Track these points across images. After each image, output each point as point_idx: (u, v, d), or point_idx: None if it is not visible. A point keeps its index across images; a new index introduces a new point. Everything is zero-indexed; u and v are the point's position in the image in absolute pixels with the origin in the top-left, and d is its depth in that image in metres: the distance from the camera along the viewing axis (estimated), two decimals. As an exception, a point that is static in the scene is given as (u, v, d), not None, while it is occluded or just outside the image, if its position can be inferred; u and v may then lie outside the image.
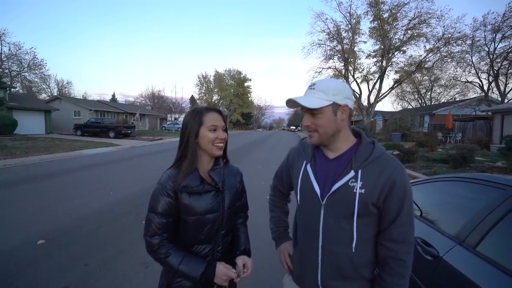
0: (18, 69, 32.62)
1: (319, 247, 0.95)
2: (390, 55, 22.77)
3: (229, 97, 56.28)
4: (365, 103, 25.05)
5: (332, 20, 23.83)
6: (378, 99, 24.15)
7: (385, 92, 25.18)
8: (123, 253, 2.94)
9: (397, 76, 24.20)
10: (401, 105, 44.95)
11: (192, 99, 63.89)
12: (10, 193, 5.38)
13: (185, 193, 1.02)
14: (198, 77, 59.08)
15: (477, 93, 27.35)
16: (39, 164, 9.02)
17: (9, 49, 31.05)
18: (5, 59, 31.11)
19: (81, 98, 41.75)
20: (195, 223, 1.04)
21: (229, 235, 1.15)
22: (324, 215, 0.93)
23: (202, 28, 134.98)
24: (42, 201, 4.87)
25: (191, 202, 1.02)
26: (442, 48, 21.58)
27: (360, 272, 0.92)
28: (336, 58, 25.05)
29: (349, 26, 23.47)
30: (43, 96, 38.86)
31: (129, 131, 21.41)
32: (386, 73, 23.66)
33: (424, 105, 37.29)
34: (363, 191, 0.87)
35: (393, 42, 22.71)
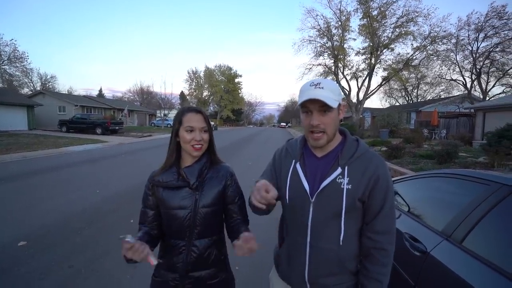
0: (-3, 62, 31.14)
1: (307, 244, 0.97)
2: (378, 52, 23.11)
3: (220, 93, 55.82)
4: (354, 100, 25.39)
5: (323, 16, 23.90)
6: (367, 96, 24.52)
7: (374, 89, 25.61)
8: (110, 253, 2.86)
9: (385, 74, 24.64)
10: (389, 102, 45.94)
11: (182, 95, 63.02)
12: (-11, 192, 5.14)
13: (160, 187, 1.08)
14: (188, 73, 58.34)
15: (461, 90, 28.27)
16: (22, 162, 8.67)
17: (-13, 41, 29.56)
18: (-18, 51, 29.61)
19: (66, 93, 40.35)
20: (165, 217, 1.09)
21: (210, 238, 1.09)
22: (313, 212, 0.95)
23: (192, 22, 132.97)
24: (24, 200, 4.68)
25: (163, 196, 1.07)
26: (429, 47, 22.10)
27: (346, 266, 0.96)
28: (326, 55, 25.21)
29: (339, 23, 23.62)
30: (25, 90, 37.32)
31: (117, 128, 20.90)
32: (375, 70, 24.05)
33: (411, 102, 38.19)
34: (350, 186, 0.91)
35: (382, 39, 23.04)
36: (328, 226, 0.94)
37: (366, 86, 24.51)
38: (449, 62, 25.34)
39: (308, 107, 0.92)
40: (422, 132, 16.27)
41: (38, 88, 36.16)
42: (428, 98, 36.92)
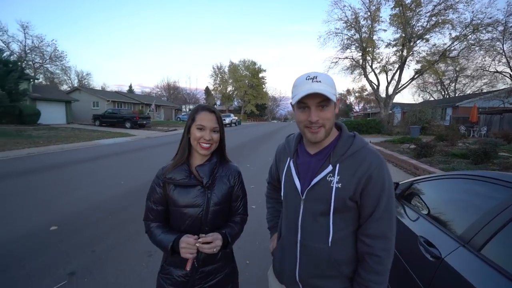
0: (40, 61, 34.07)
1: (297, 242, 0.95)
2: (411, 43, 21.61)
3: (244, 88, 56.12)
4: (383, 94, 24.14)
5: (350, 7, 22.90)
6: (397, 90, 23.15)
7: (405, 83, 24.08)
8: (128, 241, 3.02)
9: (418, 66, 23.02)
10: (422, 96, 43.00)
11: (207, 90, 64.36)
12: (31, 180, 5.67)
13: (171, 185, 1.08)
14: (213, 68, 59.40)
15: (507, 84, 25.61)
16: (60, 153, 9.45)
17: (32, 42, 32.40)
18: (28, 51, 32.53)
19: (100, 89, 43.03)
20: (176, 215, 1.09)
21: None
22: (303, 210, 0.93)
23: (217, 17, 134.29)
24: (58, 188, 5.10)
25: (175, 194, 1.07)
26: (470, 36, 20.18)
27: (340, 270, 0.91)
28: (353, 48, 24.13)
29: (368, 14, 22.42)
30: (64, 87, 40.58)
31: (144, 122, 21.92)
32: (407, 63, 22.53)
33: (448, 97, 35.44)
34: (339, 185, 0.87)
35: (416, 29, 21.48)
36: (318, 224, 0.91)
37: (396, 79, 23.15)
38: (494, 52, 22.93)
39: (306, 103, 0.87)
40: (459, 129, 15.08)
41: (75, 85, 38.89)
42: (468, 92, 34.01)
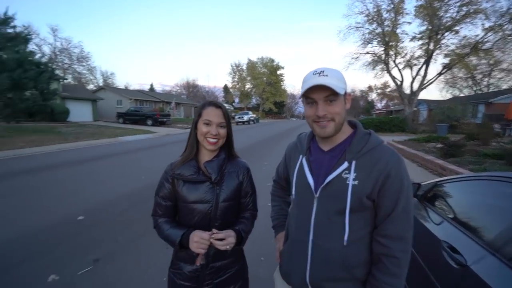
0: (69, 62, 36.10)
1: (309, 241, 0.92)
2: (439, 36, 20.35)
3: (262, 86, 56.00)
4: (407, 91, 23.06)
5: (372, 0, 21.93)
6: (422, 86, 21.97)
7: (432, 79, 22.75)
8: (148, 233, 3.12)
9: (446, 60, 21.64)
10: (451, 93, 40.52)
11: (225, 88, 65.00)
12: (62, 173, 6.07)
13: (180, 180, 1.09)
14: (231, 66, 59.64)
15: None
16: (87, 149, 10.00)
17: (61, 44, 34.36)
18: (58, 53, 34.59)
19: (123, 88, 44.79)
20: (186, 210, 1.09)
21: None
22: (317, 208, 0.91)
23: (236, 15, 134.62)
24: (85, 181, 5.41)
25: (183, 189, 1.08)
26: (506, 26, 18.65)
27: (353, 273, 0.87)
28: (375, 42, 23.18)
29: (392, 6, 21.41)
30: (91, 86, 42.47)
31: (165, 119, 22.56)
32: (434, 57, 21.27)
33: (480, 92, 33.15)
34: (356, 182, 0.84)
35: (444, 21, 20.19)
36: (332, 223, 0.88)
37: (422, 75, 21.98)
38: (534, 43, 21.09)
39: (313, 98, 0.86)
40: (492, 127, 14.07)
41: (101, 84, 40.78)
42: (504, 87, 31.58)
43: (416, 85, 22.30)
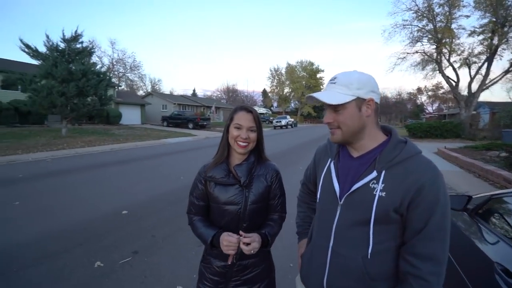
0: (123, 70, 40.09)
1: (329, 248, 0.89)
2: (505, 29, 17.86)
3: (301, 90, 55.31)
4: (464, 92, 20.64)
5: (422, -6, 20.19)
6: (483, 86, 19.42)
7: (495, 78, 19.96)
8: (183, 231, 3.28)
9: (514, 57, 18.92)
10: (520, 94, 35.25)
11: (264, 92, 65.72)
12: (110, 172, 6.74)
13: (212, 182, 1.14)
14: (270, 70, 60.22)
15: None
16: (134, 150, 10.98)
17: (118, 55, 38.35)
18: (115, 63, 38.64)
19: (168, 93, 48.13)
20: (216, 211, 1.15)
21: (254, 231, 1.15)
22: (340, 215, 0.88)
23: (275, 19, 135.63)
24: (130, 179, 5.94)
25: (215, 191, 1.13)
26: None
27: (372, 286, 0.81)
28: (425, 40, 21.25)
29: (446, -1, 19.51)
30: (140, 92, 46.56)
31: (205, 123, 23.64)
32: (498, 52, 18.70)
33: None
34: (383, 194, 0.78)
35: (511, 11, 17.71)
36: (354, 233, 0.84)
37: (483, 74, 19.47)
38: None
39: (324, 105, 0.86)
40: None
41: (149, 90, 44.39)
42: None
43: (475, 86, 19.79)
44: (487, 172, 6.19)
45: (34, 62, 13.23)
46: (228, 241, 1.02)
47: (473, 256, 1.40)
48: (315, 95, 0.86)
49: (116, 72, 38.97)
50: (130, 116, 24.96)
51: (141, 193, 4.86)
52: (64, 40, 13.05)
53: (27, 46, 12.27)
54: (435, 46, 20.70)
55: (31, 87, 12.10)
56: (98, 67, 16.08)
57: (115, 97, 23.35)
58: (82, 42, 13.68)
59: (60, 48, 12.98)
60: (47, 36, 12.70)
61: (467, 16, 19.93)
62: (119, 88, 30.36)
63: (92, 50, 14.63)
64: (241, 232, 1.04)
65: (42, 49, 12.78)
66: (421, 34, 21.15)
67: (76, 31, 13.27)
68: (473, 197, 1.78)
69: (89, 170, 6.76)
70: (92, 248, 2.85)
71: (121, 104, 24.41)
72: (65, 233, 3.18)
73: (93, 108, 13.75)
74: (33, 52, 12.44)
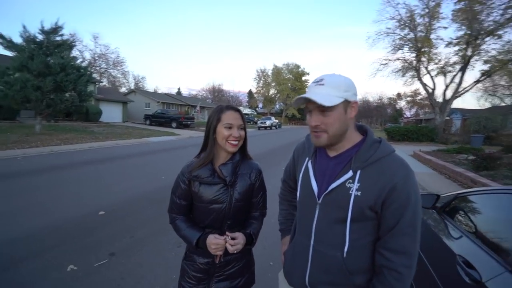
0: (106, 66, 38.74)
1: (310, 246, 0.93)
2: (478, 41, 19.01)
3: (286, 91, 55.87)
4: (439, 99, 21.72)
5: (405, 4, 21.07)
6: (457, 94, 20.58)
7: (468, 87, 21.24)
8: (163, 231, 3.22)
9: (486, 67, 20.11)
10: (490, 101, 37.51)
11: (250, 92, 65.77)
12: (89, 171, 6.49)
13: (196, 182, 1.14)
14: (257, 71, 60.41)
15: None
16: (115, 148, 10.61)
17: (100, 50, 37.03)
18: (97, 58, 37.29)
19: (152, 91, 46.98)
20: (201, 210, 1.15)
21: (237, 228, 1.17)
22: (319, 215, 0.90)
23: (262, 21, 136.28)
24: (108, 179, 5.73)
25: (200, 190, 1.13)
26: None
27: (352, 279, 0.86)
28: (406, 48, 22.19)
29: (427, 10, 20.45)
30: (123, 89, 45.04)
31: (189, 122, 23.30)
32: (471, 63, 19.89)
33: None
34: (359, 193, 0.82)
35: (485, 25, 18.83)
36: (333, 231, 0.87)
37: (457, 82, 20.60)
38: None
39: (309, 107, 0.87)
40: (536, 139, 12.78)
41: (132, 87, 43.05)
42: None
43: (449, 93, 20.95)
44: (457, 174, 6.57)
45: (8, 53, 12.50)
46: (216, 244, 1.03)
47: (439, 250, 1.49)
48: (308, 95, 0.84)
49: (98, 68, 37.59)
50: (111, 113, 24.10)
51: (120, 192, 4.72)
52: (43, 31, 12.37)
53: (1, 36, 11.55)
54: (415, 54, 21.68)
55: (3, 79, 11.35)
56: (78, 61, 15.28)
57: (95, 93, 22.42)
58: (62, 35, 13.01)
59: (38, 40, 12.28)
60: (24, 27, 12.00)
61: (445, 28, 21.09)
62: (101, 84, 29.19)
63: (73, 44, 14.00)
64: (227, 233, 1.07)
65: (18, 40, 12.09)
66: (403, 42, 22.06)
67: (56, 23, 12.61)
68: (441, 196, 1.89)
69: (64, 169, 6.46)
70: (65, 251, 2.72)
71: (102, 101, 23.52)
72: (35, 237, 3.00)
73: (72, 104, 13.13)
74: (7, 42, 11.71)
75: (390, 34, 22.18)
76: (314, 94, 0.83)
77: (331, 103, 0.81)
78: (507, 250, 1.15)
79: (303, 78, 59.14)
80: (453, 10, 19.63)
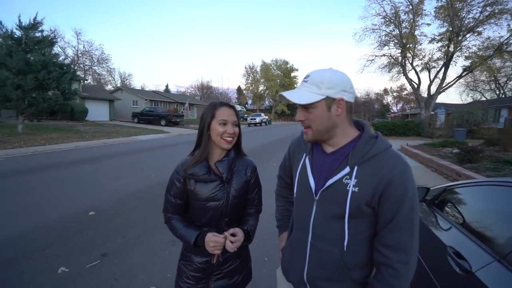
0: (90, 63, 37.52)
1: (308, 243, 0.92)
2: (460, 38, 19.60)
3: (275, 88, 55.92)
4: (424, 94, 22.32)
5: (390, 1, 21.44)
6: (440, 89, 21.19)
7: (451, 82, 21.92)
8: (156, 230, 3.19)
9: (467, 63, 20.81)
10: (471, 96, 38.94)
11: (239, 89, 65.44)
12: (76, 170, 6.30)
13: (192, 180, 1.12)
14: (245, 68, 60.12)
15: None
16: (102, 147, 10.33)
17: (84, 47, 35.82)
18: (80, 55, 36.06)
19: (140, 89, 45.95)
20: (198, 208, 1.13)
21: (234, 225, 1.16)
22: (316, 211, 0.90)
23: (250, 18, 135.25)
24: (98, 179, 5.59)
25: (196, 188, 1.11)
26: (534, 26, 17.69)
27: (350, 275, 0.86)
28: (392, 44, 22.61)
29: (410, 7, 20.87)
30: (109, 87, 43.69)
31: (178, 120, 22.97)
32: (453, 59, 20.50)
33: (504, 96, 31.62)
34: (356, 189, 0.81)
35: (465, 22, 19.42)
36: (330, 227, 0.87)
37: (440, 78, 21.22)
38: None
39: (296, 102, 0.87)
40: (514, 132, 13.36)
41: (119, 85, 41.95)
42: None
43: (434, 88, 21.57)
44: (443, 167, 6.80)
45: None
46: (215, 242, 1.02)
47: (430, 242, 1.54)
48: (285, 94, 0.86)
49: (81, 65, 36.35)
50: (98, 112, 23.43)
51: (110, 192, 4.62)
52: (21, 27, 11.83)
53: (-25, 32, 11.01)
54: (400, 50, 22.12)
55: (-20, 78, 10.87)
56: (61, 58, 14.82)
57: (80, 91, 21.75)
58: (42, 31, 12.52)
59: (16, 36, 11.77)
60: (0, 22, 11.49)
61: (429, 24, 21.56)
62: (85, 82, 28.27)
63: (54, 40, 13.48)
64: (227, 231, 1.06)
65: (-6, 36, 11.55)
66: (388, 39, 22.45)
67: (35, 18, 12.09)
68: (430, 188, 1.95)
69: (51, 169, 6.26)
70: (55, 252, 2.65)
71: (88, 99, 22.82)
72: (23, 239, 2.92)
73: (55, 103, 12.69)
74: (-18, 39, 11.19)
75: (376, 31, 22.53)
76: (293, 92, 0.86)
77: (306, 101, 0.82)
78: (495, 240, 1.20)
79: (292, 74, 59.36)
80: (435, 7, 20.16)
